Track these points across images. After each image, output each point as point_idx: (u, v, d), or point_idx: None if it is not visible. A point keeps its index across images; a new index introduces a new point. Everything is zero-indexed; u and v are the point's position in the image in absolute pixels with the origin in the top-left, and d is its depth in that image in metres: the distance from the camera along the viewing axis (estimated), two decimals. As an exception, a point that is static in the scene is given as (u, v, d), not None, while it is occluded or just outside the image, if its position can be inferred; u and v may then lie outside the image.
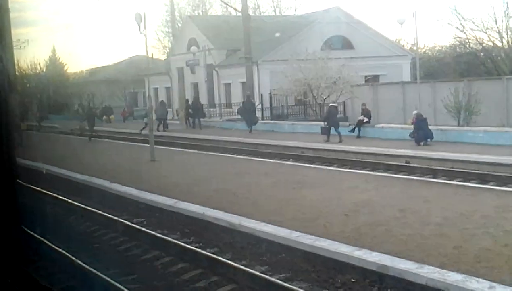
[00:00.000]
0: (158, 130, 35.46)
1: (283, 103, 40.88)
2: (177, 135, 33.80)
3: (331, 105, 28.84)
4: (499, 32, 45.64)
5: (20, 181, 17.72)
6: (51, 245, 10.96)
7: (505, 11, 44.65)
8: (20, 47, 49.63)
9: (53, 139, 37.14)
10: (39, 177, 20.24)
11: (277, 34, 43.36)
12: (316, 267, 9.25)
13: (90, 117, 34.48)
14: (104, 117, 53.55)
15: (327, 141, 25.94)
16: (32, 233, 11.55)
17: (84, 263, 9.65)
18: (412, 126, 24.54)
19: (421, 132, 23.59)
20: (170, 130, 37.26)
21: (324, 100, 36.62)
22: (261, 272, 9.10)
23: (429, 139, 23.43)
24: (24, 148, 27.36)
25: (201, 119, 39.05)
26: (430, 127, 24.08)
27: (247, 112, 34.75)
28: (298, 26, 44.86)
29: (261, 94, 40.90)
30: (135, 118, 53.92)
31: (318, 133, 28.50)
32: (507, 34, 45.42)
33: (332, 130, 26.33)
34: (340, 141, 25.34)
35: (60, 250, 10.55)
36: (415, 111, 25.05)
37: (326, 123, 27.26)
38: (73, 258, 9.93)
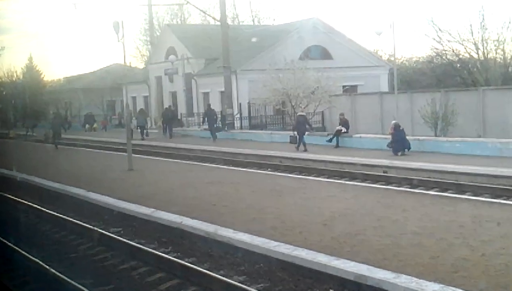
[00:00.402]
0: (143, 138, 36.91)
1: (261, 112, 40.92)
2: (155, 144, 33.67)
3: (299, 115, 29.32)
4: (475, 43, 46.18)
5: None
6: (26, 254, 10.79)
7: (481, 22, 45.20)
8: (-4, 54, 49.26)
9: (29, 147, 36.74)
10: (14, 185, 20.03)
11: (254, 40, 43.41)
12: (294, 277, 9.21)
13: (54, 125, 34.82)
14: (87, 126, 53.20)
15: (297, 149, 26.43)
16: (5, 241, 11.39)
17: (59, 272, 9.52)
18: (390, 136, 24.66)
19: (399, 143, 23.73)
20: (148, 139, 37.21)
21: (302, 109, 36.67)
22: (238, 282, 9.04)
23: (406, 150, 23.56)
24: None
25: (177, 128, 39.29)
26: (407, 137, 24.24)
27: (210, 121, 36.06)
28: (276, 35, 45.00)
29: (240, 104, 40.89)
30: (112, 126, 53.72)
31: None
32: (483, 45, 45.96)
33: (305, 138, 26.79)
34: (305, 150, 25.87)
35: (35, 259, 10.39)
36: (394, 121, 25.20)
37: (295, 132, 27.69)
38: (48, 268, 9.78)
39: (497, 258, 8.84)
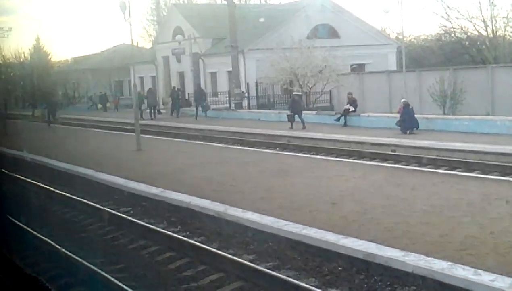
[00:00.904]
0: (151, 118, 37.47)
1: (269, 92, 40.86)
2: (162, 124, 33.72)
3: (295, 94, 30.02)
4: (484, 21, 45.83)
5: (4, 170, 17.65)
6: (36, 234, 10.89)
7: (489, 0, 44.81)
8: (4, 35, 49.22)
9: (39, 128, 36.86)
10: (24, 165, 20.14)
11: (262, 20, 43.27)
12: (303, 256, 9.26)
13: (49, 105, 37.58)
14: (100, 106, 53.29)
15: (291, 128, 26.97)
16: (17, 222, 11.49)
17: (69, 252, 9.60)
18: (398, 115, 24.59)
19: (407, 121, 23.66)
20: (156, 119, 37.31)
21: (310, 89, 36.65)
22: (248, 261, 9.10)
23: (415, 128, 23.50)
24: (8, 136, 27.18)
25: (185, 108, 39.67)
26: (416, 116, 24.16)
27: (198, 100, 37.67)
28: (284, 14, 44.77)
29: (247, 83, 40.82)
30: (121, 107, 53.79)
31: (305, 122, 28.70)
32: (492, 23, 45.63)
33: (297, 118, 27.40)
34: (303, 128, 26.36)
35: (46, 239, 10.49)
36: (403, 100, 25.11)
37: (291, 111, 28.28)
38: (59, 247, 9.87)
39: (506, 235, 8.85)
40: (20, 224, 11.43)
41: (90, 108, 55.03)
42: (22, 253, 10.13)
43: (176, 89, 43.03)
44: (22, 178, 17.58)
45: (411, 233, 9.23)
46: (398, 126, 23.95)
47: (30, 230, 11.14)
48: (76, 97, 61.20)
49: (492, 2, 44.83)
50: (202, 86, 46.92)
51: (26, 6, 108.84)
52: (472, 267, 7.59)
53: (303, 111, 28.51)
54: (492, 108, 28.61)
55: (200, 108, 37.28)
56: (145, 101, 40.51)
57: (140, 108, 37.22)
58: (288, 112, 28.91)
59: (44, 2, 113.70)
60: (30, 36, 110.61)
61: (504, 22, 45.33)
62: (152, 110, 39.07)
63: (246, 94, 39.69)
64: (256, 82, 40.31)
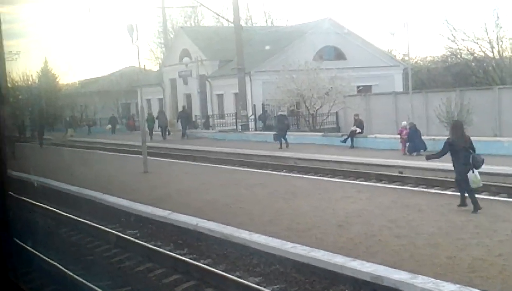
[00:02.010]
0: (163, 138, 38.83)
1: (275, 114, 40.90)
2: (169, 146, 33.78)
3: (279, 114, 31.23)
4: (490, 42, 45.93)
5: (11, 193, 17.65)
6: (43, 257, 10.88)
7: (495, 21, 44.99)
8: (12, 59, 49.64)
9: (47, 151, 36.99)
10: (31, 188, 20.16)
11: (267, 47, 43.50)
12: (310, 278, 9.21)
13: (40, 127, 39.97)
14: (109, 126, 53.40)
15: (280, 148, 27.94)
16: (24, 245, 11.48)
17: (76, 275, 9.59)
18: (399, 136, 24.63)
19: (415, 143, 23.63)
20: (162, 141, 37.42)
21: (316, 110, 36.71)
22: (254, 283, 9.06)
23: (422, 150, 23.44)
24: (16, 160, 27.24)
25: (192, 129, 40.21)
26: (423, 137, 24.12)
27: (183, 121, 40.05)
28: (290, 37, 44.97)
29: (254, 105, 40.93)
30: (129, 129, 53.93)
31: (312, 143, 28.96)
32: (497, 44, 45.72)
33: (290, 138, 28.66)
34: (287, 146, 27.93)
35: (52, 262, 10.48)
36: (404, 123, 25.17)
37: (277, 131, 29.70)
38: (65, 270, 9.86)
39: (514, 258, 8.79)
40: (27, 247, 11.43)
41: (89, 132, 54.92)
42: (28, 276, 10.13)
43: (185, 109, 43.39)
44: (29, 200, 17.60)
45: (419, 255, 9.18)
46: (406, 149, 23.89)
47: (37, 253, 11.13)
48: (84, 120, 61.38)
49: (497, 24, 45.01)
50: (209, 108, 47.19)
51: (35, 30, 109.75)
52: (480, 289, 7.54)
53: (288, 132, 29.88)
54: (499, 130, 28.55)
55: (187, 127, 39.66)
56: (156, 122, 41.13)
57: (151, 129, 39.31)
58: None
59: (53, 26, 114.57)
60: (38, 59, 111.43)
61: (510, 44, 45.51)
62: (163, 131, 39.86)
63: (252, 117, 39.79)
64: (263, 104, 40.41)
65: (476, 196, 12.31)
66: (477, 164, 12.31)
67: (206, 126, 41.57)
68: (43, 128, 40.25)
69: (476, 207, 11.99)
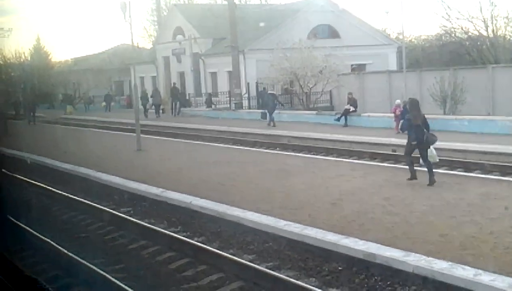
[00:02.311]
0: (157, 116, 38.89)
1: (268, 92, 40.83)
2: (163, 124, 33.72)
3: (268, 93, 32.12)
4: (484, 21, 45.85)
5: (4, 170, 17.64)
6: (37, 234, 10.88)
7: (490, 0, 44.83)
8: (4, 35, 49.27)
9: (40, 129, 36.87)
10: (24, 166, 20.12)
11: (262, 24, 43.30)
12: (303, 256, 9.26)
13: (31, 104, 40.19)
14: (103, 103, 53.27)
15: (269, 125, 28.56)
16: (17, 222, 11.48)
17: (70, 252, 9.60)
18: (392, 115, 24.65)
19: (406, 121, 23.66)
20: (157, 119, 37.35)
21: (310, 89, 36.67)
22: (248, 261, 9.10)
23: None
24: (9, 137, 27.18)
25: (185, 108, 40.17)
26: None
27: (174, 98, 40.88)
28: (284, 15, 44.73)
29: (248, 83, 40.82)
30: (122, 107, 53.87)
31: (305, 122, 29.02)
32: (492, 23, 45.65)
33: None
34: (273, 126, 28.28)
35: (46, 239, 10.48)
36: (398, 101, 25.16)
37: (265, 109, 30.25)
38: (59, 247, 9.87)
39: (505, 235, 8.85)
40: (20, 224, 11.43)
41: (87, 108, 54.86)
42: (22, 254, 10.14)
43: (175, 86, 43.26)
44: (22, 178, 17.57)
45: (411, 233, 9.23)
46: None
47: (30, 230, 11.13)
48: (77, 97, 61.16)
49: (492, 2, 44.92)
50: (202, 86, 47.03)
51: (27, 7, 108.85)
52: (472, 267, 7.59)
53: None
54: (492, 109, 28.61)
55: (177, 105, 39.89)
56: (150, 100, 41.18)
57: (145, 107, 39.40)
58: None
59: (45, 3, 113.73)
60: (30, 36, 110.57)
61: (504, 22, 45.47)
62: (157, 109, 39.95)
63: (246, 95, 39.72)
64: (257, 82, 40.31)
65: (467, 174, 12.36)
66: (431, 141, 13.02)
67: (209, 104, 41.25)
68: (34, 106, 40.35)
69: (432, 181, 12.76)
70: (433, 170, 12.99)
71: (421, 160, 13.39)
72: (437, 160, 13.22)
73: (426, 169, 12.98)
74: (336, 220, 10.19)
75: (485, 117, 24.15)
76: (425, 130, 12.98)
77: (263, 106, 30.35)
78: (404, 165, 16.64)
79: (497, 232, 9.05)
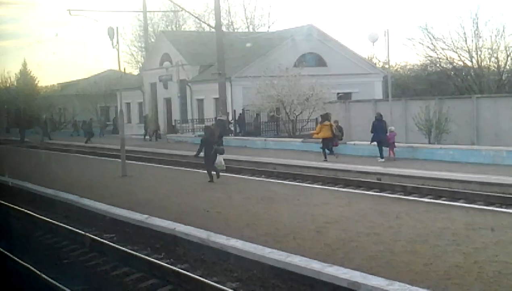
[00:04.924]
0: (156, 141, 43.11)
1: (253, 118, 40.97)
2: (147, 150, 33.64)
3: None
4: (469, 51, 46.29)
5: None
6: (17, 259, 10.73)
7: (474, 31, 45.33)
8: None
9: (25, 153, 36.66)
10: (6, 190, 19.95)
11: (248, 44, 43.53)
12: (288, 283, 9.18)
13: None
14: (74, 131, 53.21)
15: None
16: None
17: (51, 278, 9.46)
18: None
19: (377, 135, 24.13)
20: (139, 145, 37.29)
21: (296, 116, 36.77)
22: (232, 289, 9.01)
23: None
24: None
25: (172, 134, 41.51)
26: (401, 144, 24.31)
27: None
28: (271, 42, 45.04)
29: (234, 110, 40.88)
30: (107, 133, 53.70)
31: (291, 149, 29.05)
32: (476, 53, 46.07)
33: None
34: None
35: (27, 265, 10.34)
36: (391, 127, 25.22)
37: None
38: (40, 273, 9.73)
39: (490, 265, 8.83)
40: (1, 249, 11.28)
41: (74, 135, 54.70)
42: (2, 279, 9.98)
43: (147, 115, 47.31)
44: (4, 203, 17.38)
45: (396, 261, 9.19)
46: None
47: (11, 256, 10.98)
48: (62, 123, 60.99)
49: (477, 34, 45.39)
50: (189, 113, 47.12)
51: (16, 32, 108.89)
52: (456, 296, 7.56)
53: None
54: (477, 138, 28.77)
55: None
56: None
57: (146, 131, 44.38)
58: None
59: (33, 28, 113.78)
60: (17, 61, 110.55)
61: (489, 53, 45.85)
62: (155, 134, 44.09)
63: (232, 122, 39.78)
64: (243, 110, 40.38)
65: (452, 203, 12.29)
66: (219, 152, 18.57)
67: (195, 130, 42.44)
68: (24, 131, 42.07)
69: (212, 179, 18.44)
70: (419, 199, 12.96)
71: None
72: (224, 168, 18.68)
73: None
74: (320, 247, 10.12)
75: (470, 147, 24.28)
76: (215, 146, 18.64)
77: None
78: (389, 193, 16.73)
79: (482, 261, 9.03)
